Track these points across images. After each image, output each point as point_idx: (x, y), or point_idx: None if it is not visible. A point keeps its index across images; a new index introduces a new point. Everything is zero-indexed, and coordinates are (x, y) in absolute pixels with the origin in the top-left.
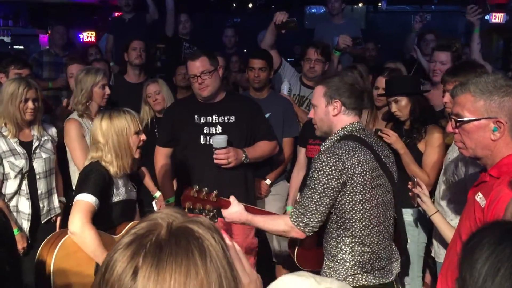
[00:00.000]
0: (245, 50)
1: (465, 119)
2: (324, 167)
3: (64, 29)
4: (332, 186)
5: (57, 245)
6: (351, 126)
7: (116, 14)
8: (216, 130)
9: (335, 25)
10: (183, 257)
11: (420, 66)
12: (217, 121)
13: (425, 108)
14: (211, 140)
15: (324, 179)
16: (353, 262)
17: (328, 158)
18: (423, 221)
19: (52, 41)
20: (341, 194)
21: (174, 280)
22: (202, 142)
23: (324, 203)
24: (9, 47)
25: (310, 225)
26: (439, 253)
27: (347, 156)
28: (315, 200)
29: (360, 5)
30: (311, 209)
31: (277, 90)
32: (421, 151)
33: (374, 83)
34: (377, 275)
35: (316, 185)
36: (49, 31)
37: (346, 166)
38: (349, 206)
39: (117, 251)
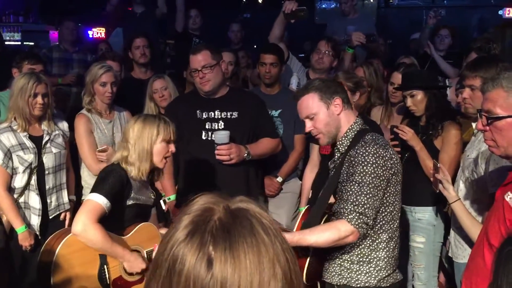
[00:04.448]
0: (255, 46)
1: (498, 116)
2: (367, 158)
3: (74, 25)
4: (383, 177)
5: (60, 243)
6: (359, 121)
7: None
8: (218, 125)
9: (348, 19)
10: (252, 237)
11: (433, 62)
12: (219, 116)
13: (441, 104)
14: (213, 135)
15: (371, 170)
16: (387, 259)
17: (371, 148)
18: (440, 220)
19: (61, 37)
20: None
21: (249, 261)
22: (204, 137)
23: (378, 196)
24: (20, 43)
25: (369, 223)
26: (456, 253)
27: (388, 147)
28: (369, 194)
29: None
30: (368, 204)
31: (284, 83)
32: (437, 148)
33: (388, 79)
34: (397, 271)
35: (363, 178)
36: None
37: (392, 155)
38: (393, 198)
39: (179, 243)
